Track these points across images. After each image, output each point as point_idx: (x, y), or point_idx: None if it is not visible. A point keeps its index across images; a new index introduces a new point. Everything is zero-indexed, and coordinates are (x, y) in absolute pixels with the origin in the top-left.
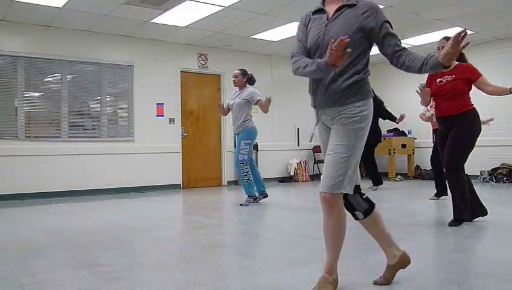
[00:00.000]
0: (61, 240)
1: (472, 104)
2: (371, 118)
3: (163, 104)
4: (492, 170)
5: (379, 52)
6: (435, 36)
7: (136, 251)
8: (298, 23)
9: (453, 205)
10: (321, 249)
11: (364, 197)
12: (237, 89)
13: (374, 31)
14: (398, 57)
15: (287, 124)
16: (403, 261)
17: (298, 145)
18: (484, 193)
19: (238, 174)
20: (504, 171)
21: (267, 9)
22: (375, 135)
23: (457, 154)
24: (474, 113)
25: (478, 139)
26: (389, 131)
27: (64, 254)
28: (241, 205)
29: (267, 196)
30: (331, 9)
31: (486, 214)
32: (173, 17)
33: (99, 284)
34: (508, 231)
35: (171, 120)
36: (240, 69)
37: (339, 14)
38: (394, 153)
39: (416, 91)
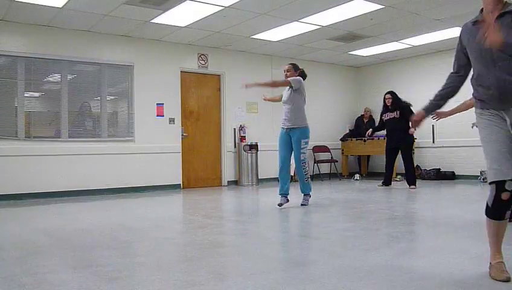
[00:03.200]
0: (61, 240)
1: None
2: None
3: (163, 104)
4: None
5: (379, 52)
6: (435, 36)
7: (136, 251)
8: (297, 23)
9: None
10: (321, 249)
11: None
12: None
13: None
14: None
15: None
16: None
17: None
18: (484, 193)
19: (299, 173)
20: None
21: (267, 9)
22: (408, 136)
23: None
24: None
25: (478, 138)
26: None
27: (64, 254)
28: (302, 204)
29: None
30: (491, 17)
31: None
32: (173, 17)
33: (99, 284)
34: (506, 231)
35: (171, 120)
36: (290, 64)
37: (502, 21)
38: None
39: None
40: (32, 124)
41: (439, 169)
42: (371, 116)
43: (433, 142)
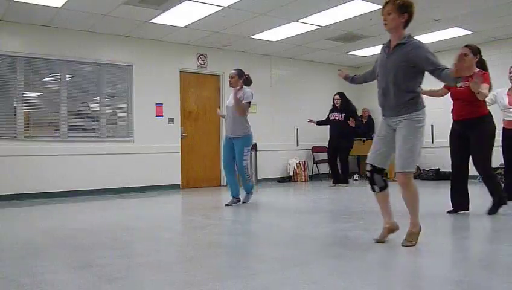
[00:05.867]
0: (60, 240)
1: (487, 109)
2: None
3: (162, 104)
4: None
5: (378, 53)
6: (435, 36)
7: (136, 251)
8: (296, 23)
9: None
10: (321, 250)
11: (384, 178)
12: (233, 90)
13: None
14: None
15: (286, 124)
16: (394, 228)
17: (297, 145)
18: (483, 193)
19: (242, 177)
20: (503, 172)
21: (266, 10)
22: (348, 141)
23: (486, 155)
24: (489, 116)
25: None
26: None
27: (63, 254)
28: (244, 202)
29: (240, 200)
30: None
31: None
32: (172, 17)
33: (98, 285)
34: (506, 231)
35: (170, 120)
36: (236, 69)
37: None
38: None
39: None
40: (32, 124)
41: (439, 169)
42: (369, 116)
43: (432, 142)
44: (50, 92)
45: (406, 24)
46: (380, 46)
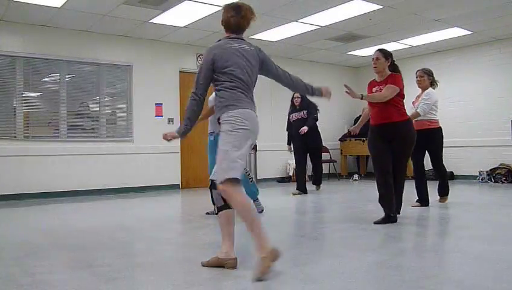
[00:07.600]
0: (59, 240)
1: (406, 113)
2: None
3: (162, 104)
4: (490, 170)
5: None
6: (435, 36)
7: (135, 251)
8: (296, 23)
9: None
10: (321, 250)
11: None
12: None
13: None
14: None
15: (286, 124)
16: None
17: None
18: (483, 193)
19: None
20: (502, 172)
21: (266, 10)
22: (319, 138)
23: (405, 162)
24: (407, 122)
25: (477, 139)
26: None
27: (62, 254)
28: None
29: None
30: None
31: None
32: (172, 17)
33: (97, 285)
34: (506, 231)
35: (170, 120)
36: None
37: None
38: None
39: (346, 91)
40: (31, 124)
41: None
42: None
43: None
44: (49, 92)
45: (225, 28)
46: (376, 48)
